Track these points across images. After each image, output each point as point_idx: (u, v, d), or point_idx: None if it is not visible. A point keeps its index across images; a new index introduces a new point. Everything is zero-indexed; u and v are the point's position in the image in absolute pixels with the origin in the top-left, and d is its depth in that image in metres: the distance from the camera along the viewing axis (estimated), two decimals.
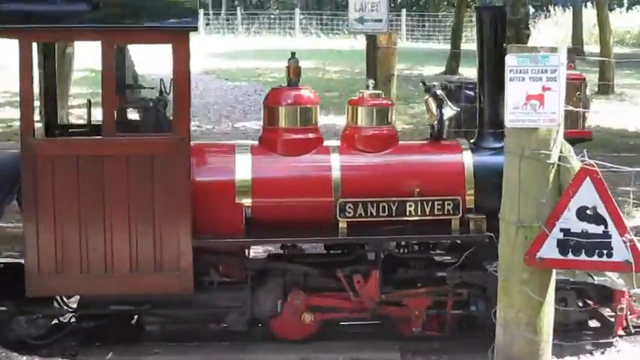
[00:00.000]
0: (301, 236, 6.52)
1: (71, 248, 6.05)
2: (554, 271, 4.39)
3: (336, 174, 6.59)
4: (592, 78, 25.45)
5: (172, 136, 6.19)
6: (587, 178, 4.19)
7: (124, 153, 6.06)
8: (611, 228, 4.20)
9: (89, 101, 7.11)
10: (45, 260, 6.03)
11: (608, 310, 6.71)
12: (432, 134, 7.03)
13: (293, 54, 6.98)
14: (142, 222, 6.08)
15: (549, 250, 4.26)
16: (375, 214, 6.48)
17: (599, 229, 4.21)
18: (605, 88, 19.86)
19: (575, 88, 7.48)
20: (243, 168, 6.47)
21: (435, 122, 7.00)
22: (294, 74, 6.91)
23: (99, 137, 6.16)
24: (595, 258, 4.26)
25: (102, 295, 6.34)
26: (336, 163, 6.66)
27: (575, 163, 4.25)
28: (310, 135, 6.70)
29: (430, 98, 7.10)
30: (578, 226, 4.24)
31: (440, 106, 7.07)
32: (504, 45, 6.87)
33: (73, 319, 6.59)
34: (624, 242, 4.17)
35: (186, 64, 6.13)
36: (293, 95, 6.73)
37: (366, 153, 6.78)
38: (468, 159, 6.73)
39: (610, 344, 6.46)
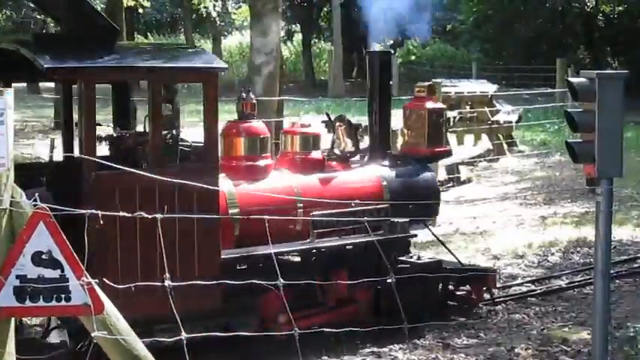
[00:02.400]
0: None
1: (131, 271, 6.57)
2: (13, 320, 4.36)
3: (297, 191, 8.14)
4: None
5: (201, 163, 7.28)
6: (41, 223, 4.24)
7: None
8: (68, 272, 4.28)
9: (52, 140, 7.70)
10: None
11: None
12: (339, 158, 8.83)
13: (248, 90, 8.34)
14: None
15: (6, 299, 4.23)
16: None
17: (55, 274, 4.26)
18: None
19: (439, 116, 9.44)
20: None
21: (348, 147, 8.88)
22: (251, 108, 8.28)
23: (147, 168, 6.77)
24: (54, 303, 4.30)
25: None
26: (295, 183, 8.19)
27: (28, 208, 4.27)
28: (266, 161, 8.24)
29: (345, 126, 8.89)
30: (34, 271, 4.25)
31: (356, 133, 8.92)
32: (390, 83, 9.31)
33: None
34: (82, 285, 4.27)
35: (215, 99, 7.26)
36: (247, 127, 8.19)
37: (306, 173, 8.39)
38: (381, 175, 8.81)
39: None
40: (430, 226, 9.23)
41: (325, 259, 8.09)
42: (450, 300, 9.10)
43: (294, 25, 52.83)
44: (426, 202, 8.80)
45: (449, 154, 10.09)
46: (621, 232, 12.75)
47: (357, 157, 9.21)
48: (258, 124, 8.35)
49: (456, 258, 9.29)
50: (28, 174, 6.99)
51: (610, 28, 38.93)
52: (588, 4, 39.60)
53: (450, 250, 9.44)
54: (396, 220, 8.31)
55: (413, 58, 42.27)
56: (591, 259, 10.40)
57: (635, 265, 11.25)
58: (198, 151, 7.52)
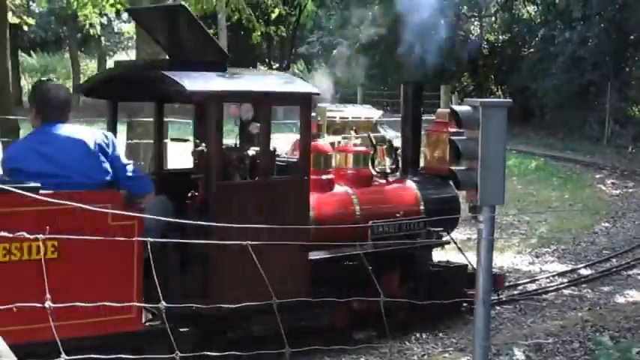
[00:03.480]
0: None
1: (242, 268, 7.38)
2: None
3: (356, 201, 9.50)
4: None
5: (297, 176, 8.33)
6: None
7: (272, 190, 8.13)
8: None
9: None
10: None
11: None
12: (383, 174, 10.26)
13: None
14: None
15: None
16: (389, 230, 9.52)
17: None
18: None
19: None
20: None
21: (390, 165, 10.41)
22: (317, 129, 9.70)
23: (258, 180, 8.15)
24: None
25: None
26: (354, 194, 9.55)
27: None
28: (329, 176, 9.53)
29: (386, 147, 10.48)
30: None
31: (396, 153, 10.48)
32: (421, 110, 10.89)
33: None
34: None
35: (309, 118, 8.47)
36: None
37: (359, 187, 9.75)
38: (417, 190, 10.24)
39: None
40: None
41: (382, 259, 9.33)
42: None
43: None
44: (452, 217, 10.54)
45: None
46: (502, 259, 12.98)
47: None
48: (323, 143, 9.84)
49: (469, 262, 10.31)
50: None
51: (494, 57, 39.86)
52: (473, 32, 40.46)
53: (466, 257, 10.46)
54: (433, 229, 9.95)
55: None
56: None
57: (516, 292, 11.46)
58: (291, 165, 8.74)
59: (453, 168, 6.40)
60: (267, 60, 52.06)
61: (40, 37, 48.20)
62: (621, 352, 5.41)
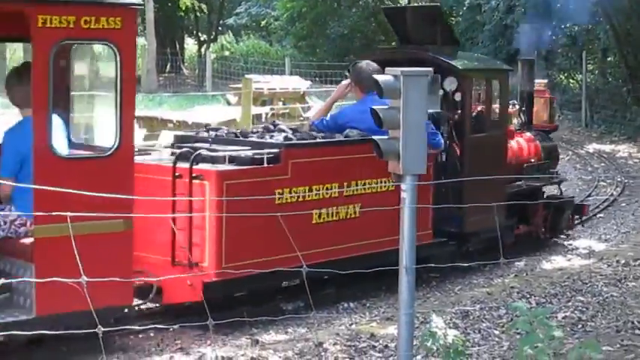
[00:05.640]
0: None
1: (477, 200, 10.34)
2: None
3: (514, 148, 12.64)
4: None
5: (501, 131, 11.71)
6: None
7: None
8: None
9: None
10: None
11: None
12: (519, 129, 13.06)
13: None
14: None
15: None
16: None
17: None
18: None
19: (551, 102, 14.62)
20: None
21: (521, 121, 13.30)
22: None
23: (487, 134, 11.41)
24: None
25: None
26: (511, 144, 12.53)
27: None
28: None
29: (516, 109, 13.19)
30: None
31: (523, 113, 13.39)
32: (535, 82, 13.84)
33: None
34: None
35: (507, 89, 12.04)
36: None
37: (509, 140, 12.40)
38: (537, 141, 13.22)
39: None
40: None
41: (529, 193, 12.48)
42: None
43: None
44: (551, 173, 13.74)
45: (557, 129, 15.17)
46: None
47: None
48: None
49: (562, 194, 14.16)
50: None
51: None
52: (400, 2, 40.56)
53: (561, 191, 14.35)
54: (552, 170, 13.56)
55: (227, 53, 42.21)
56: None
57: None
58: (493, 123, 11.53)
59: (375, 137, 6.40)
60: (194, 32, 51.61)
61: None
62: (537, 317, 5.51)
